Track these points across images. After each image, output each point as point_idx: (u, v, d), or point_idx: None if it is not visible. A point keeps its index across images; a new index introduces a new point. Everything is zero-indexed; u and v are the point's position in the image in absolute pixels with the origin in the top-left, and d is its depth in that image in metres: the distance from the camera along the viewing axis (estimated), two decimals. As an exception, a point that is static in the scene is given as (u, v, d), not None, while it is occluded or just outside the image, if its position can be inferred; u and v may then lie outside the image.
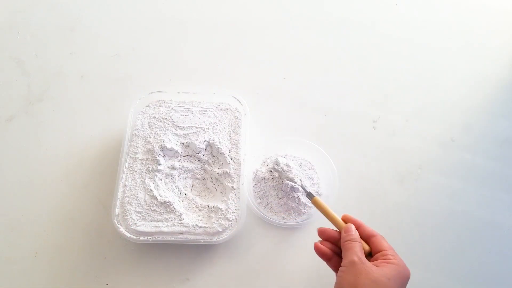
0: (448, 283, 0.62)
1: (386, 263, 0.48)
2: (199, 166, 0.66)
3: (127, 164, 0.64)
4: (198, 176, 0.66)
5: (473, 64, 0.82)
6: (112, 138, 0.71)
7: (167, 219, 0.60)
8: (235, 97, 0.69)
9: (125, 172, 0.63)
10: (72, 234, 0.64)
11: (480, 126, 0.75)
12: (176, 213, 0.60)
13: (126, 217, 0.59)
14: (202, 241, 0.59)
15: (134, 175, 0.63)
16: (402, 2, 0.89)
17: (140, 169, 0.63)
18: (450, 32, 0.86)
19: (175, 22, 0.85)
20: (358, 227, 0.53)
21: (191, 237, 0.59)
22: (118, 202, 0.61)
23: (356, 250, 0.49)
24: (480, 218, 0.67)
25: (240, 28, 0.85)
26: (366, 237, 0.52)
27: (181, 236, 0.59)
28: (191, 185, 0.66)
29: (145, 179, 0.62)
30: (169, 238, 0.59)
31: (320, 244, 0.54)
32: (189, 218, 0.61)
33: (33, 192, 0.67)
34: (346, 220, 0.54)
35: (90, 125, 0.73)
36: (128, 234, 0.58)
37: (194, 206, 0.63)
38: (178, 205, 0.62)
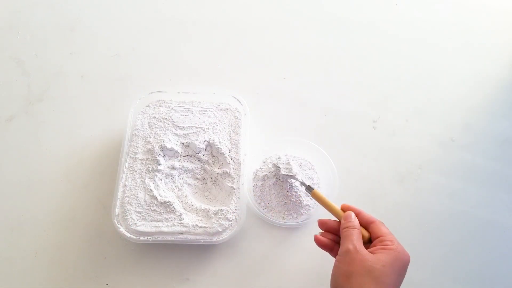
0: (448, 283, 0.62)
1: (383, 249, 0.47)
2: (199, 166, 0.66)
3: (127, 164, 0.64)
4: (198, 176, 0.66)
5: (473, 64, 0.82)
6: (112, 138, 0.71)
7: (167, 219, 0.60)
8: (235, 97, 0.69)
9: (125, 172, 0.63)
10: (72, 234, 0.64)
11: (480, 126, 0.75)
12: (176, 213, 0.60)
13: (126, 217, 0.59)
14: (202, 241, 0.59)
15: (134, 175, 0.63)
16: (402, 2, 0.89)
17: (140, 169, 0.63)
18: (450, 32, 0.86)
19: (175, 22, 0.85)
20: (358, 214, 0.53)
21: (191, 237, 0.59)
22: (118, 202, 0.61)
23: (353, 238, 0.49)
24: (480, 218, 0.67)
25: (240, 28, 0.85)
26: (365, 224, 0.52)
27: (181, 236, 0.59)
28: (191, 185, 0.66)
29: (145, 179, 0.62)
30: (169, 238, 0.59)
31: (319, 236, 0.54)
32: (189, 218, 0.61)
33: (33, 192, 0.67)
34: (345, 209, 0.54)
35: (90, 125, 0.73)
36: (128, 234, 0.58)
37: (194, 206, 0.63)
38: (178, 205, 0.62)
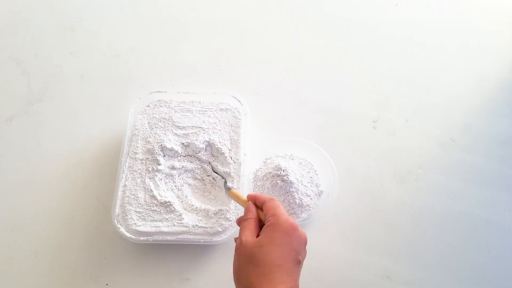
0: (448, 283, 0.62)
1: (265, 228, 0.47)
2: (199, 166, 0.66)
3: (127, 164, 0.64)
4: (198, 176, 0.66)
5: (473, 64, 0.82)
6: (112, 138, 0.71)
7: (167, 219, 0.60)
8: (235, 97, 0.69)
9: (125, 172, 0.63)
10: (72, 234, 0.64)
11: (480, 126, 0.75)
12: (176, 213, 0.60)
13: (126, 217, 0.59)
14: (202, 241, 0.59)
15: (134, 175, 0.63)
16: (402, 2, 0.89)
17: (140, 169, 0.63)
18: (450, 32, 0.86)
19: (175, 22, 0.85)
20: (255, 200, 0.53)
21: (191, 237, 0.59)
22: (118, 202, 0.61)
23: (244, 230, 0.48)
24: (480, 218, 0.67)
25: (240, 28, 0.85)
26: (260, 207, 0.52)
27: (181, 236, 0.59)
28: (191, 185, 0.66)
29: (145, 179, 0.62)
30: (169, 238, 0.59)
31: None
32: (189, 218, 0.61)
33: (33, 192, 0.67)
34: (249, 198, 0.54)
35: (90, 125, 0.73)
36: (128, 234, 0.58)
37: (194, 206, 0.63)
38: (178, 205, 0.62)
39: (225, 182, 0.61)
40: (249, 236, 0.47)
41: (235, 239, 0.51)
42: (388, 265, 0.62)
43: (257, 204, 0.52)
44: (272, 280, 0.43)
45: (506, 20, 0.88)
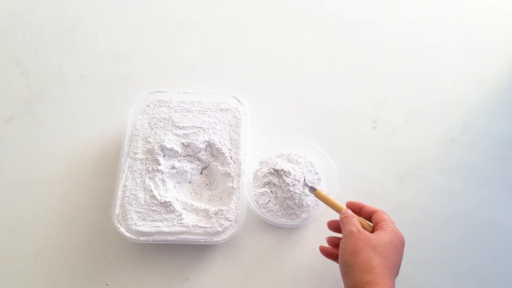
0: (448, 283, 0.62)
1: (382, 230, 0.51)
2: (199, 166, 0.66)
3: (127, 164, 0.64)
4: (198, 176, 0.66)
5: (473, 64, 0.82)
6: (112, 138, 0.71)
7: (167, 219, 0.60)
8: (235, 97, 0.69)
9: (125, 172, 0.63)
10: (72, 234, 0.64)
11: (480, 126, 0.75)
12: (176, 213, 0.60)
13: (126, 217, 0.59)
14: (202, 241, 0.59)
15: (134, 175, 0.63)
16: (402, 2, 0.89)
17: (140, 169, 0.63)
18: (450, 32, 0.86)
19: (175, 22, 0.85)
20: (361, 208, 0.56)
21: (191, 237, 0.59)
22: (118, 202, 0.61)
23: (353, 222, 0.52)
24: (480, 218, 0.67)
25: (240, 28, 0.85)
26: (368, 215, 0.55)
27: (181, 236, 0.59)
28: (191, 185, 0.66)
29: (145, 179, 0.62)
30: (169, 238, 0.59)
31: (324, 246, 0.57)
32: (189, 218, 0.61)
33: (33, 192, 0.67)
34: (349, 205, 0.57)
35: (90, 125, 0.73)
36: (128, 234, 0.58)
37: (194, 206, 0.63)
38: (178, 205, 0.62)
39: (311, 187, 0.61)
40: (363, 229, 0.51)
41: (329, 223, 0.58)
42: (388, 265, 0.62)
43: (363, 212, 0.56)
44: (388, 275, 0.47)
45: (506, 20, 0.88)
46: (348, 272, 0.48)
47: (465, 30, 0.86)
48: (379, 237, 0.50)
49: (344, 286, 0.49)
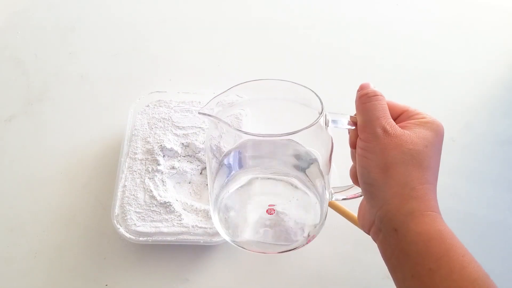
0: (448, 284, 0.62)
1: (419, 124, 0.37)
2: (199, 166, 0.66)
3: (126, 164, 0.64)
4: (198, 177, 0.66)
5: (473, 64, 0.82)
6: (111, 138, 0.71)
7: (167, 219, 0.60)
8: (238, 95, 0.69)
9: (125, 172, 0.63)
10: (71, 234, 0.63)
11: (481, 125, 0.75)
12: (176, 214, 0.60)
13: (125, 218, 0.59)
14: (202, 241, 0.59)
15: (133, 175, 0.63)
16: (403, 2, 0.89)
17: (139, 169, 0.63)
18: (450, 32, 0.86)
19: (175, 22, 0.85)
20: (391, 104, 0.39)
21: (191, 237, 0.59)
22: (118, 203, 0.60)
23: (377, 113, 0.36)
24: (481, 218, 0.67)
25: (240, 28, 0.85)
26: (395, 116, 0.40)
27: (181, 237, 0.59)
28: (191, 185, 0.66)
29: (144, 180, 0.62)
30: (169, 238, 0.59)
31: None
32: (189, 219, 0.60)
33: (32, 192, 0.67)
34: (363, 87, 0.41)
35: (90, 125, 0.73)
36: (127, 235, 0.58)
37: (194, 206, 0.63)
38: (177, 205, 0.62)
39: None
40: (394, 125, 0.36)
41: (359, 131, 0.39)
42: (388, 266, 0.62)
43: (392, 112, 0.38)
44: (433, 195, 0.35)
45: (506, 20, 0.88)
46: (376, 194, 0.35)
47: (465, 30, 0.86)
48: (419, 137, 0.35)
49: (369, 209, 0.36)
